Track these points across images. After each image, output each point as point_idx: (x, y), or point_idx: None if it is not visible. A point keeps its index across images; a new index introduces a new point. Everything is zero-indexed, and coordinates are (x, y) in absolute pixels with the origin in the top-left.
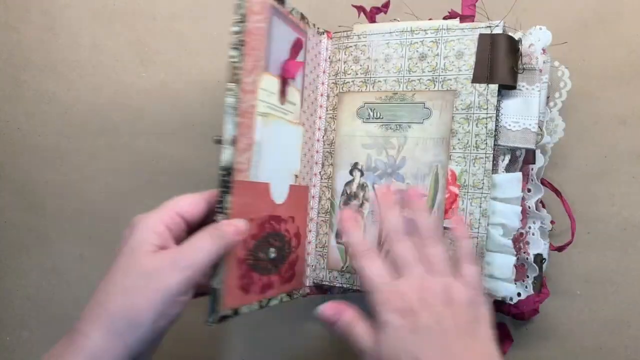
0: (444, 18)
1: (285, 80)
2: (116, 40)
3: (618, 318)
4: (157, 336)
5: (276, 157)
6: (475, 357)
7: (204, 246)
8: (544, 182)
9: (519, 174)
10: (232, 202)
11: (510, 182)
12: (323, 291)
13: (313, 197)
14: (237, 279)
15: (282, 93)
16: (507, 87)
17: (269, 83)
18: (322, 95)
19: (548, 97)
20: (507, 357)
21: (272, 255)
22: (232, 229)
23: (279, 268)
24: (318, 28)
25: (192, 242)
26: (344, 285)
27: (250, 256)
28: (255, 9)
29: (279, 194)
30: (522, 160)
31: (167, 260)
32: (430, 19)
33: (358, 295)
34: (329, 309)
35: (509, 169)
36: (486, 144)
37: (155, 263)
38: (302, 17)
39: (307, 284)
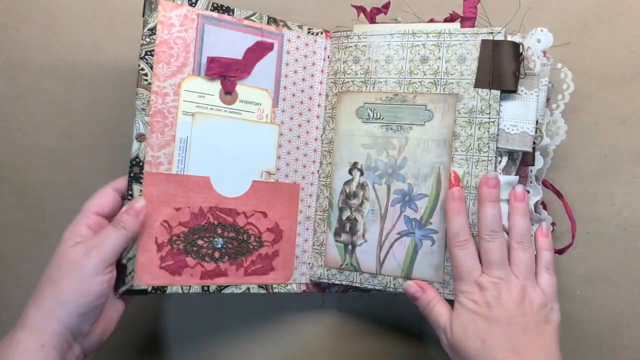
0: (445, 19)
1: (230, 82)
2: (116, 40)
3: (618, 318)
4: (89, 311)
5: (222, 153)
6: (535, 349)
7: (109, 233)
8: (545, 184)
9: (516, 178)
10: (142, 192)
11: (507, 184)
12: (322, 289)
13: (310, 195)
14: (157, 259)
15: (228, 93)
16: (508, 91)
17: (198, 85)
18: (320, 94)
19: (549, 99)
20: None
21: (220, 244)
22: (129, 215)
23: (237, 259)
24: (310, 28)
25: (101, 233)
26: (343, 283)
27: (179, 241)
28: (173, 21)
29: (231, 188)
30: (519, 162)
31: (82, 250)
32: (431, 19)
33: (358, 294)
34: (412, 286)
35: (506, 170)
36: (489, 147)
37: (72, 253)
38: (273, 21)
39: (304, 282)
